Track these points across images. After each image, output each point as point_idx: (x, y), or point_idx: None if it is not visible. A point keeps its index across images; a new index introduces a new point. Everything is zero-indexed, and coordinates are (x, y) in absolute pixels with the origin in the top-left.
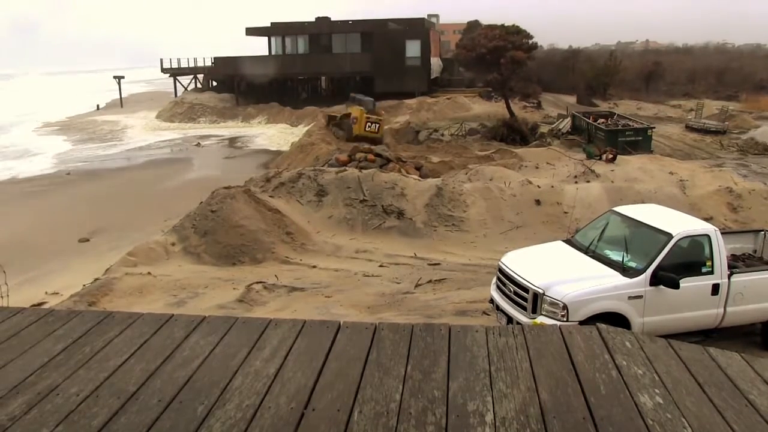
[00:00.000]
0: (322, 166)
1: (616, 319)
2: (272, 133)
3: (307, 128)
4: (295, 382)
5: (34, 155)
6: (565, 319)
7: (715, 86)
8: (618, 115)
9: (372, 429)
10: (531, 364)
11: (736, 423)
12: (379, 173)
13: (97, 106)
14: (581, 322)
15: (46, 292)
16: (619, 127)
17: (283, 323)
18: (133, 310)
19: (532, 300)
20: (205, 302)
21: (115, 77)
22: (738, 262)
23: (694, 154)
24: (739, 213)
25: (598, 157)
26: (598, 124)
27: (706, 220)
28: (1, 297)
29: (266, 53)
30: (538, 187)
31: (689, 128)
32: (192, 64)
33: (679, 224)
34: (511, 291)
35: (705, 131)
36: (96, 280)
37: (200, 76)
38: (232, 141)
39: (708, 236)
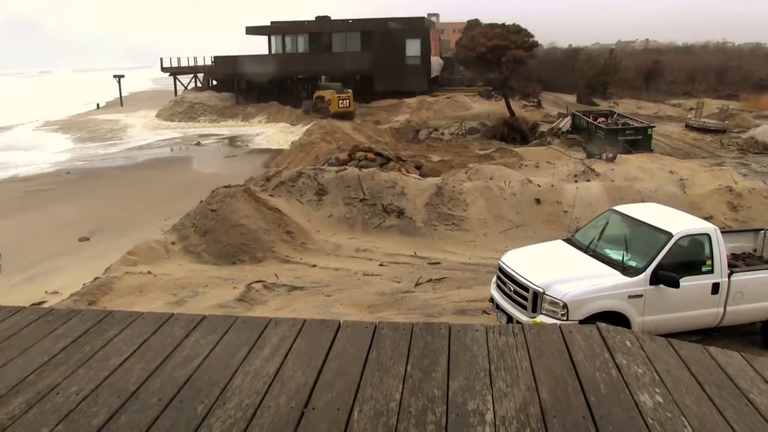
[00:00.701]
0: (322, 165)
1: (616, 318)
2: (272, 132)
3: (307, 127)
4: (295, 381)
5: (43, 150)
6: (565, 318)
7: (715, 85)
8: (618, 114)
9: (372, 428)
10: (531, 363)
11: (736, 422)
12: (379, 172)
13: (97, 105)
14: (581, 321)
15: (45, 291)
16: (619, 126)
17: (283, 322)
18: (133, 309)
19: (532, 299)
20: (205, 301)
21: (115, 76)
22: (738, 261)
23: (694, 153)
24: (739, 212)
25: (599, 156)
26: (598, 123)
27: (706, 219)
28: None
29: (266, 52)
30: (538, 186)
31: (689, 127)
32: (192, 63)
33: (679, 223)
34: (511, 290)
35: (705, 130)
36: (96, 279)
37: (200, 75)
38: (232, 140)
39: (708, 235)
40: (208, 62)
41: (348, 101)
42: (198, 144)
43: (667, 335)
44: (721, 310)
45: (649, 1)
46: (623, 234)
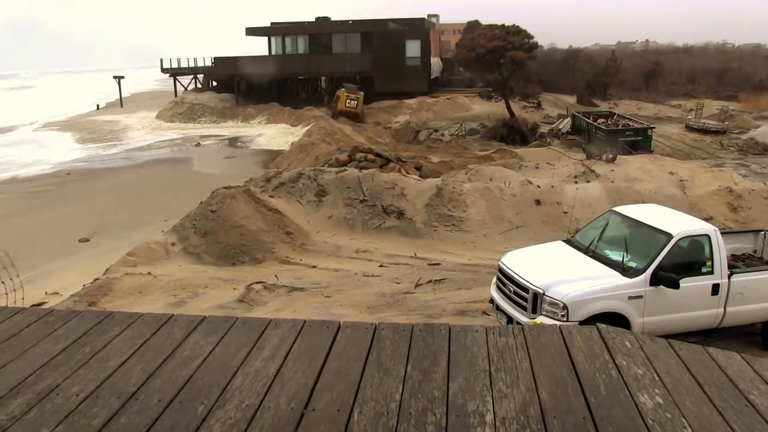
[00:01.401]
0: (322, 166)
1: (616, 319)
2: (272, 133)
3: (307, 128)
4: (295, 382)
5: (43, 150)
6: (565, 319)
7: (715, 86)
8: (618, 115)
9: (372, 429)
10: (531, 364)
11: (736, 423)
12: (379, 173)
13: (97, 106)
14: (581, 322)
15: (46, 292)
16: (619, 127)
17: (283, 323)
18: (133, 310)
19: (532, 300)
20: (205, 302)
21: (115, 77)
22: (738, 262)
23: (694, 154)
24: (739, 213)
25: (599, 157)
26: (598, 124)
27: (706, 220)
28: (14, 290)
29: (266, 53)
30: (538, 187)
31: (689, 128)
32: (192, 64)
33: (679, 224)
34: (511, 291)
35: (705, 131)
36: (96, 280)
37: (200, 76)
38: (232, 141)
39: (708, 236)
40: (208, 63)
41: (356, 102)
42: (198, 145)
43: (667, 336)
44: (721, 311)
45: (649, 2)
46: (623, 235)
